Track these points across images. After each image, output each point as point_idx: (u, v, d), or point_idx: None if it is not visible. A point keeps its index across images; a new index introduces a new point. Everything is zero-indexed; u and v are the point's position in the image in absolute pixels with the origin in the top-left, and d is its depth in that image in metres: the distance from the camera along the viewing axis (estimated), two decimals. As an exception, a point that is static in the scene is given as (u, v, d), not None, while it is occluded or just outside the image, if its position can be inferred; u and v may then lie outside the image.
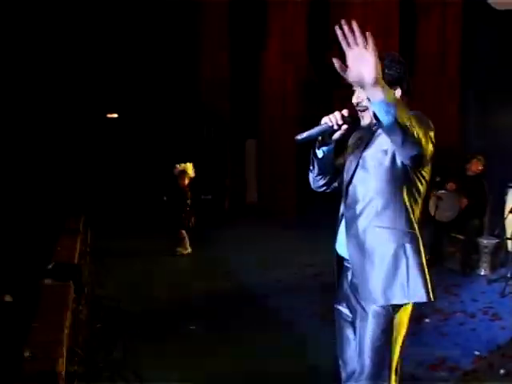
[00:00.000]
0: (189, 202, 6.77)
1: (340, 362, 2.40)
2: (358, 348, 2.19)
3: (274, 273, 5.84)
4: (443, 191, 6.03)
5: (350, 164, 2.23)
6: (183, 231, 6.78)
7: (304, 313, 4.63)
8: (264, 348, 3.84)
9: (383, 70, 1.94)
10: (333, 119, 2.10)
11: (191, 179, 6.81)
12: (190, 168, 6.77)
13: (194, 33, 9.15)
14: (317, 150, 2.25)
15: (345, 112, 2.12)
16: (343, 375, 2.39)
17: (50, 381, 2.33)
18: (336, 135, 2.16)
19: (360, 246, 2.12)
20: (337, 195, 2.38)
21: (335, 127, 2.10)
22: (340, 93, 9.40)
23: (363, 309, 2.16)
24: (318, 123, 2.15)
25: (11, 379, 2.36)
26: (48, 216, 6.50)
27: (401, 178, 2.09)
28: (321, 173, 2.32)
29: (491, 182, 6.12)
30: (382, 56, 2.00)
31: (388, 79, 2.03)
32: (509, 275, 5.27)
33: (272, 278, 5.65)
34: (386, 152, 2.07)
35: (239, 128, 9.64)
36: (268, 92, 9.30)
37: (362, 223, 2.12)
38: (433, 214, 6.06)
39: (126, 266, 6.08)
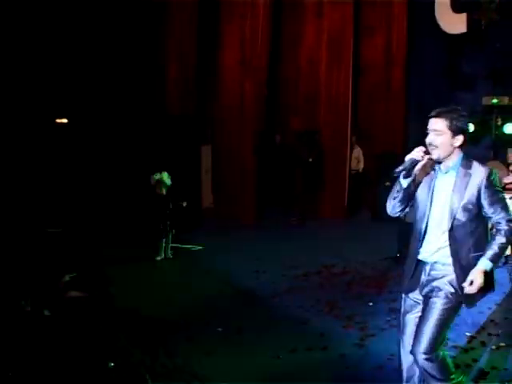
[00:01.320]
0: (168, 210, 7.16)
1: (401, 340, 3.11)
2: (424, 324, 2.90)
3: (266, 275, 6.45)
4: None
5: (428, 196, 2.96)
6: (163, 239, 7.16)
7: (311, 310, 5.29)
8: (286, 341, 4.45)
9: (453, 121, 2.81)
10: (417, 154, 2.83)
11: (168, 188, 7.22)
12: (165, 177, 7.17)
13: (159, 33, 9.35)
14: (403, 180, 2.95)
15: (423, 148, 2.87)
16: (403, 351, 3.10)
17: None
18: (417, 167, 2.89)
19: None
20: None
21: (420, 159, 2.83)
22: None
23: (438, 296, 2.87)
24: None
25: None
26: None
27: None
28: (402, 200, 3.04)
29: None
30: (453, 110, 2.85)
31: (456, 129, 2.85)
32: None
33: (266, 280, 6.25)
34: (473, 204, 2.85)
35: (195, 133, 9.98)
36: (224, 97, 9.77)
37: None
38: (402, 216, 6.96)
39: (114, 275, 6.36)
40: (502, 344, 4.53)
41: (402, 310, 3.12)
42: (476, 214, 2.87)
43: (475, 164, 2.89)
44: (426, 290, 2.97)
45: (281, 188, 10.64)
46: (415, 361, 2.94)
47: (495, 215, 2.85)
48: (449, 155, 2.88)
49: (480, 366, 4.13)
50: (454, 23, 8.91)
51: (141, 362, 3.91)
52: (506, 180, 6.86)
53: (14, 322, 3.75)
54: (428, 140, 2.91)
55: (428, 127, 2.91)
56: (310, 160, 9.56)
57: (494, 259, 2.86)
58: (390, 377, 3.94)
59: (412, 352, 2.93)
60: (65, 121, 10.47)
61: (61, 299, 4.43)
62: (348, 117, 9.70)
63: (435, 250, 2.95)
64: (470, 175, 2.85)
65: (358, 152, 10.36)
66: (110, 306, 4.75)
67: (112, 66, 9.37)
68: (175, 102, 9.29)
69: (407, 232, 6.84)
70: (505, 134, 8.26)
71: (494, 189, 2.85)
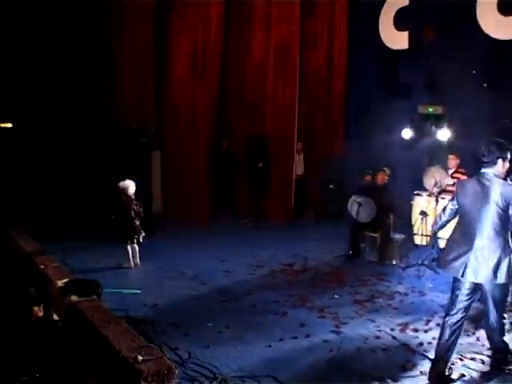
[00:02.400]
0: (133, 217, 7.58)
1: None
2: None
3: (236, 274, 7.08)
4: (363, 198, 7.85)
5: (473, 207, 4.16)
6: (129, 245, 7.55)
7: (286, 304, 6.01)
8: (272, 332, 5.16)
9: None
10: None
11: (133, 195, 7.66)
12: (130, 185, 7.61)
13: (114, 41, 9.61)
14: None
15: None
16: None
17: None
18: None
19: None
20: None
21: None
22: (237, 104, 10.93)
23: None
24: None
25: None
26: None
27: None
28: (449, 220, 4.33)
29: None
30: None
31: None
32: (420, 262, 7.31)
33: (237, 279, 6.89)
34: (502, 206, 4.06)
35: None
36: (175, 105, 10.26)
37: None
38: (355, 217, 7.86)
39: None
40: None
41: None
42: None
43: None
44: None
45: (231, 192, 11.28)
46: None
47: None
48: None
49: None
50: (396, 40, 9.97)
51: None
52: (446, 182, 7.92)
53: (28, 327, 4.12)
54: None
55: None
56: (260, 165, 10.28)
57: None
58: (367, 356, 4.76)
59: None
60: (9, 125, 10.56)
61: (62, 304, 4.82)
62: (294, 124, 10.46)
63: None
64: None
65: (302, 157, 11.21)
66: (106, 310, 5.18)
67: (64, 76, 9.61)
68: (129, 109, 9.65)
69: (358, 231, 7.78)
70: (439, 140, 9.37)
71: None
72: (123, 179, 7.58)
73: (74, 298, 4.84)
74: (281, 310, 5.85)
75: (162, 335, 5.04)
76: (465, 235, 4.19)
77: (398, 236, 8.00)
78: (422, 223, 7.69)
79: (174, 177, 10.47)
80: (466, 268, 4.09)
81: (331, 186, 10.92)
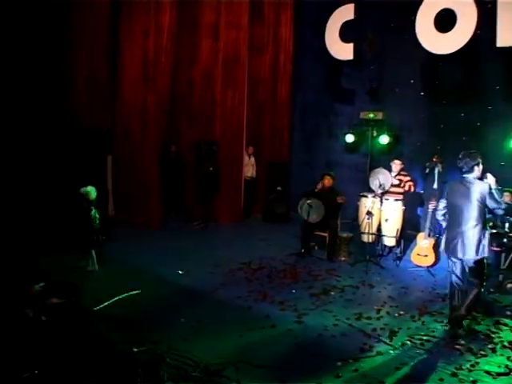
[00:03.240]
0: (94, 221, 7.91)
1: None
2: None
3: (197, 274, 7.58)
4: (313, 200, 8.56)
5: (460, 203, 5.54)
6: (92, 249, 7.88)
7: (249, 299, 6.60)
8: (241, 324, 5.74)
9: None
10: None
11: (94, 201, 7.99)
12: (91, 191, 7.94)
13: (69, 46, 9.69)
14: None
15: None
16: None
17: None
18: None
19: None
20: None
21: None
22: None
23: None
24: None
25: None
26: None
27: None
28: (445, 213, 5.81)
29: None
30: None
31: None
32: (367, 258, 8.12)
33: (199, 278, 7.39)
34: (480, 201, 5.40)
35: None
36: (127, 110, 10.57)
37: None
38: (306, 218, 8.56)
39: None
40: (401, 312, 6.26)
41: None
42: None
43: None
44: None
45: (180, 195, 11.71)
46: None
47: None
48: None
49: (390, 327, 5.78)
50: (342, 51, 10.84)
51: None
52: (389, 183, 8.77)
53: (21, 327, 4.49)
54: None
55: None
56: (211, 169, 10.82)
57: None
58: (328, 341, 5.44)
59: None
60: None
61: (44, 306, 5.17)
62: (243, 129, 11.09)
63: None
64: None
65: (253, 160, 11.87)
66: (87, 310, 5.60)
67: (18, 79, 9.67)
68: (84, 113, 9.81)
69: (308, 231, 8.47)
70: (379, 144, 10.25)
71: None
72: (82, 184, 7.90)
73: (55, 300, 5.22)
74: (245, 304, 6.43)
75: (140, 332, 5.46)
76: (453, 225, 5.65)
77: (345, 234, 8.79)
78: (368, 222, 8.49)
79: (124, 180, 10.75)
80: (456, 249, 5.56)
81: (278, 188, 11.61)
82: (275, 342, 5.36)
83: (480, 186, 5.51)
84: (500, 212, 5.66)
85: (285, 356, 5.05)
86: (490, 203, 5.47)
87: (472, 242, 5.48)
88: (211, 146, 10.91)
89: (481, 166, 5.60)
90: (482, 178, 5.64)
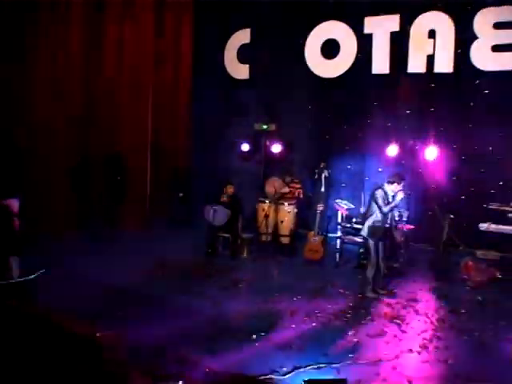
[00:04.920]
0: (16, 231, 8.77)
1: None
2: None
3: (122, 276, 8.73)
4: (218, 206, 10.08)
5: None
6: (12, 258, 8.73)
7: (175, 292, 7.98)
8: (178, 309, 7.16)
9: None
10: None
11: (16, 213, 8.85)
12: (14, 203, 8.80)
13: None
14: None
15: None
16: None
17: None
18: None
19: None
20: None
21: None
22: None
23: None
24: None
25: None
26: None
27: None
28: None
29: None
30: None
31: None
32: (267, 255, 9.83)
33: (125, 280, 8.51)
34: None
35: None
36: (36, 123, 11.15)
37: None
38: (211, 221, 10.07)
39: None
40: (299, 296, 7.96)
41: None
42: None
43: None
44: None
45: (89, 205, 12.62)
46: None
47: None
48: None
49: (291, 308, 7.43)
50: (239, 71, 12.50)
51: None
52: (283, 190, 10.57)
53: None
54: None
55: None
56: (119, 178, 11.97)
57: None
58: (243, 321, 6.99)
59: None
60: None
61: None
62: (147, 140, 12.38)
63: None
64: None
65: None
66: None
67: None
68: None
69: (214, 233, 9.97)
70: (273, 152, 12.00)
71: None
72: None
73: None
74: (171, 297, 7.78)
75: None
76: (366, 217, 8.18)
77: (246, 235, 10.44)
78: (265, 224, 10.18)
79: (35, 193, 11.30)
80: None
81: (181, 194, 12.98)
82: (200, 322, 6.82)
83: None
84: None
85: (208, 334, 6.48)
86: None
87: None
88: (118, 156, 12.01)
89: (398, 185, 8.02)
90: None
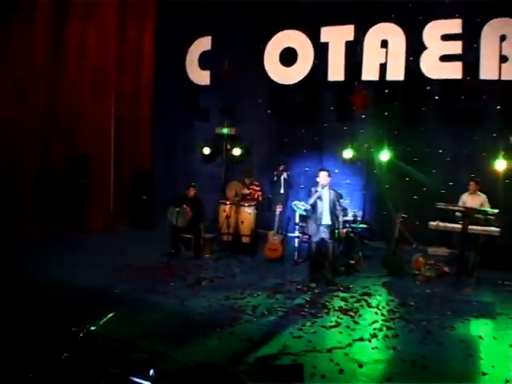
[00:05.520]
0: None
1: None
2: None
3: (92, 276, 9.13)
4: (181, 208, 10.57)
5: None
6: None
7: (142, 291, 8.43)
8: (155, 306, 7.64)
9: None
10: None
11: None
12: None
13: None
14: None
15: None
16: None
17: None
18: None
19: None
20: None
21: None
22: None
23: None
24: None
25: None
26: None
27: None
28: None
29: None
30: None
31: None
32: (228, 253, 10.38)
33: (97, 280, 8.90)
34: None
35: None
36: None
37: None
38: (174, 222, 10.55)
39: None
40: (259, 293, 8.52)
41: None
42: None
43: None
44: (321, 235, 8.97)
45: (51, 207, 12.91)
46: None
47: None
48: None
49: (252, 304, 7.99)
50: (200, 77, 13.01)
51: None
52: (244, 192, 11.14)
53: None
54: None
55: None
56: (81, 181, 12.32)
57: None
58: (208, 317, 7.49)
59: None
60: None
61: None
62: (111, 140, 12.76)
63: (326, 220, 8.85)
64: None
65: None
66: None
67: None
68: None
69: (177, 234, 10.47)
70: (233, 155, 12.57)
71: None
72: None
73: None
74: (138, 295, 8.23)
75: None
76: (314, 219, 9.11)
77: (208, 235, 10.97)
78: (227, 225, 10.73)
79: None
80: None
81: (144, 196, 13.41)
82: (167, 319, 7.32)
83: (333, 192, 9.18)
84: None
85: (174, 329, 6.97)
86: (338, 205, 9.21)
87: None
88: (81, 158, 12.38)
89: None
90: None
